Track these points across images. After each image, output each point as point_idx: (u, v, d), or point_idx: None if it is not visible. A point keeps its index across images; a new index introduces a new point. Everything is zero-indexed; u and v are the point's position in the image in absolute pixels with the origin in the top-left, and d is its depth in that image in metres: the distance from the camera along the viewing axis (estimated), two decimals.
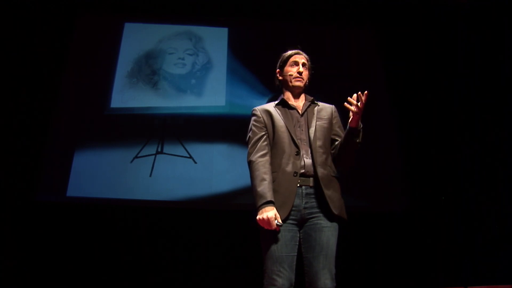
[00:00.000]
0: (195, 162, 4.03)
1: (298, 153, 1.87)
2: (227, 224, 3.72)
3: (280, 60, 2.09)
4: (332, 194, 1.83)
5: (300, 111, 2.00)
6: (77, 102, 4.20)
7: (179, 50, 4.55)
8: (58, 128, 4.07)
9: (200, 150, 4.07)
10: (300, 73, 2.01)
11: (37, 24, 4.25)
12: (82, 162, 3.93)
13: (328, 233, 1.78)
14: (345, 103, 1.84)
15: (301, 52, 2.08)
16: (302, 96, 2.07)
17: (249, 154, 1.92)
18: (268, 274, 1.74)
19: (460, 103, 4.25)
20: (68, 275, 3.51)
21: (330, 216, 1.80)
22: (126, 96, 4.28)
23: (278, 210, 1.77)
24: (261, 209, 1.76)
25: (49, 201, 3.76)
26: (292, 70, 2.03)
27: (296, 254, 1.78)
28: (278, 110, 1.99)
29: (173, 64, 4.49)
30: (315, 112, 2.00)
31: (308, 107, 2.02)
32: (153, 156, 4.02)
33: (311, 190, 1.83)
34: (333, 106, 2.07)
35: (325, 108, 2.04)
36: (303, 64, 2.03)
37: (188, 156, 4.04)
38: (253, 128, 1.98)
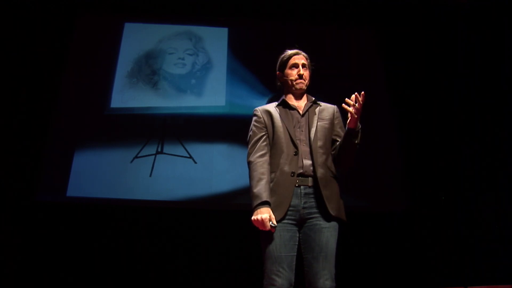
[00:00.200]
0: (195, 162, 4.03)
1: (296, 153, 1.87)
2: (227, 224, 3.72)
3: (279, 62, 2.08)
4: (331, 195, 1.83)
5: (301, 112, 1.99)
6: (77, 102, 4.20)
7: (179, 50, 4.55)
8: (58, 128, 4.07)
9: (200, 150, 4.07)
10: (300, 75, 2.00)
11: (37, 24, 4.25)
12: (82, 162, 3.93)
13: (327, 233, 1.78)
14: (343, 104, 1.83)
15: (299, 52, 2.06)
16: (304, 97, 2.06)
17: (249, 154, 1.92)
18: (267, 274, 1.74)
19: (460, 103, 4.24)
20: (69, 275, 3.51)
21: (328, 217, 1.80)
22: (126, 96, 4.28)
23: (275, 210, 1.77)
24: (256, 209, 1.76)
25: (49, 201, 3.76)
26: (292, 73, 2.02)
27: (295, 254, 1.78)
28: (278, 111, 1.99)
29: (173, 64, 4.49)
30: (317, 113, 1.99)
31: (310, 107, 2.01)
32: (153, 156, 4.02)
33: (310, 190, 1.83)
34: (335, 106, 2.06)
35: (327, 109, 2.03)
36: (303, 65, 2.02)
37: (188, 156, 4.04)
38: (254, 128, 1.98)
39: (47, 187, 3.82)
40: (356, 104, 1.79)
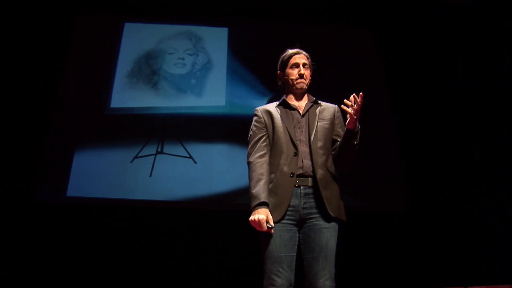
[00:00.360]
0: (195, 162, 4.03)
1: (296, 154, 1.87)
2: (227, 224, 3.72)
3: (280, 62, 2.07)
4: (331, 196, 1.83)
5: (301, 112, 1.99)
6: (77, 102, 4.20)
7: (179, 50, 4.55)
8: (58, 128, 4.07)
9: (200, 150, 4.07)
10: (301, 75, 2.00)
11: (37, 24, 4.25)
12: (82, 162, 3.93)
13: (327, 233, 1.78)
14: (342, 105, 1.83)
15: (300, 51, 2.05)
16: (305, 97, 2.06)
17: (249, 154, 1.92)
18: (267, 274, 1.74)
19: (460, 103, 4.24)
20: (69, 275, 3.51)
21: (328, 218, 1.80)
22: (126, 96, 4.28)
23: (274, 210, 1.77)
24: (254, 210, 1.76)
25: (49, 201, 3.76)
26: (293, 73, 2.01)
27: (295, 254, 1.78)
28: (279, 111, 1.99)
29: (173, 64, 4.49)
30: (317, 113, 1.99)
31: (310, 107, 2.00)
32: (153, 156, 4.02)
33: (310, 190, 1.83)
34: (336, 106, 2.05)
35: (328, 108, 2.03)
36: (304, 65, 2.01)
37: (188, 156, 4.04)
38: (254, 128, 1.98)
39: (47, 187, 3.83)
40: (355, 105, 1.79)
